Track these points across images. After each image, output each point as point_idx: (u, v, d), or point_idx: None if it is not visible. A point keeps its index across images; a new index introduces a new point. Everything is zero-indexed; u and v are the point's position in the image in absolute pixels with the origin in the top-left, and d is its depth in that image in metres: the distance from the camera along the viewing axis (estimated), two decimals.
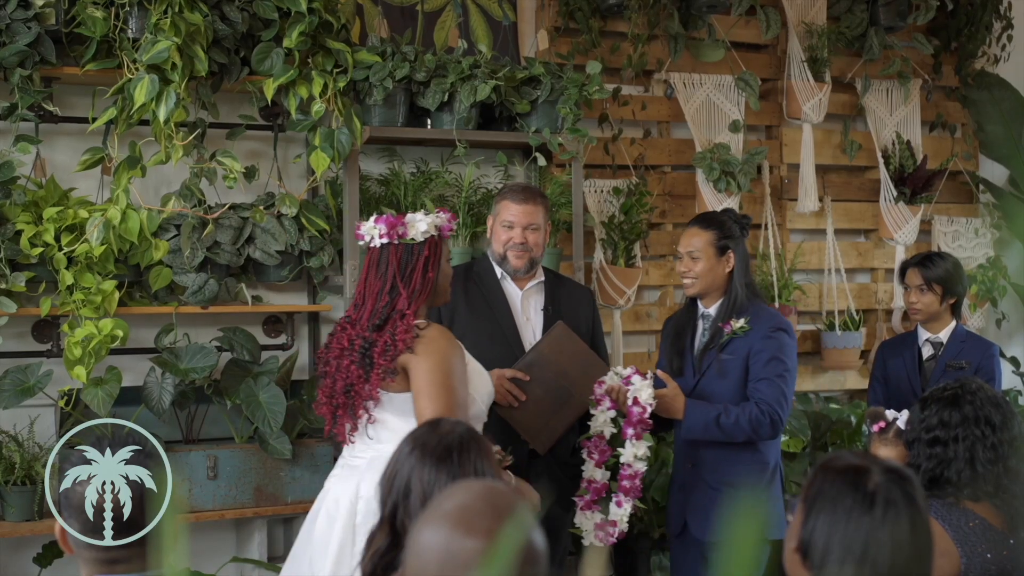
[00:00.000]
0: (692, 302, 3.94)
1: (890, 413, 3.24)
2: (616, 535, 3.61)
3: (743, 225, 3.92)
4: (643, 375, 3.62)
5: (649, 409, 3.54)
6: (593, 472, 3.65)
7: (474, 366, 3.26)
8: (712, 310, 3.85)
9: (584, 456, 3.67)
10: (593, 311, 4.07)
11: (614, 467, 3.66)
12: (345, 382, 3.17)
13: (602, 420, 3.61)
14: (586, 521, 3.63)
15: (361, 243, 3.30)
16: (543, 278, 3.95)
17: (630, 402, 3.58)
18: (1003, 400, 2.80)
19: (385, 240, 3.22)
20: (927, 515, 2.04)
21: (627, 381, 3.62)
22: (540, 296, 3.94)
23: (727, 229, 3.86)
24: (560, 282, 4.06)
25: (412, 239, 3.21)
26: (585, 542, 3.65)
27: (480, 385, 3.26)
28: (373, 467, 2.99)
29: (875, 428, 3.24)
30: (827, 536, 2.00)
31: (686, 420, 3.67)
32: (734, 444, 3.72)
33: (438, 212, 3.32)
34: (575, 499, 3.67)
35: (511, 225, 3.84)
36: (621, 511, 3.59)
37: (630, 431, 3.54)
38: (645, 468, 3.59)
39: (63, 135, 4.15)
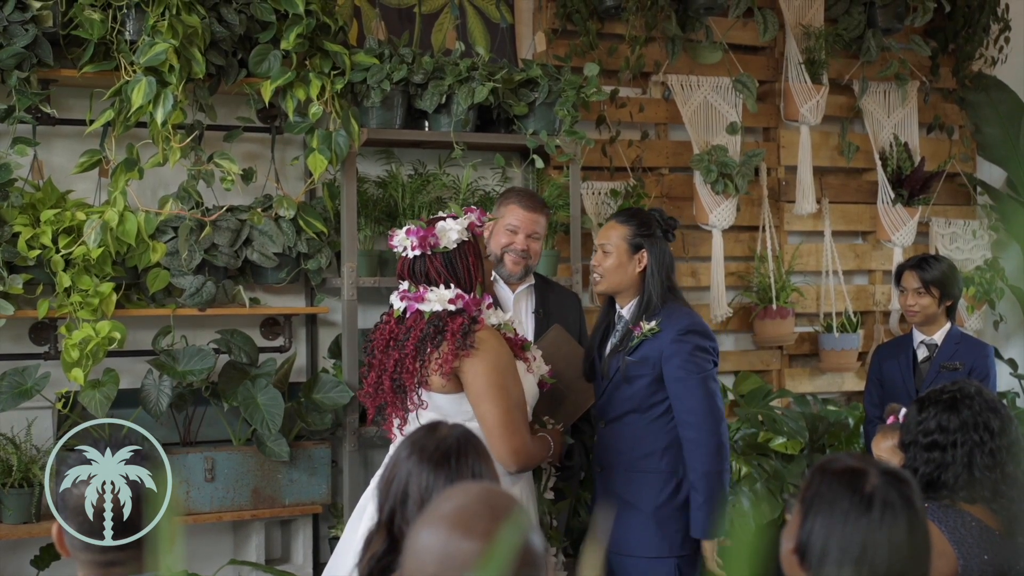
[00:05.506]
0: (611, 301, 3.77)
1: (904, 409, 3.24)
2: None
3: (667, 227, 3.73)
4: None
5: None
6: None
7: (520, 365, 3.22)
8: (626, 311, 3.70)
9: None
10: (580, 315, 4.09)
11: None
12: (391, 375, 3.11)
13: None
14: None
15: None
16: (533, 281, 3.98)
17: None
18: (1001, 405, 2.79)
19: (418, 252, 3.17)
20: (924, 517, 2.04)
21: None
22: (531, 299, 3.97)
23: (645, 227, 3.68)
24: (549, 286, 4.08)
25: (445, 248, 3.16)
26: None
27: (528, 386, 3.21)
28: None
29: (890, 420, 3.23)
30: (824, 538, 2.00)
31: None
32: (638, 461, 3.60)
33: (466, 212, 3.26)
34: None
35: (515, 230, 3.86)
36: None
37: None
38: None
39: (60, 137, 4.15)
